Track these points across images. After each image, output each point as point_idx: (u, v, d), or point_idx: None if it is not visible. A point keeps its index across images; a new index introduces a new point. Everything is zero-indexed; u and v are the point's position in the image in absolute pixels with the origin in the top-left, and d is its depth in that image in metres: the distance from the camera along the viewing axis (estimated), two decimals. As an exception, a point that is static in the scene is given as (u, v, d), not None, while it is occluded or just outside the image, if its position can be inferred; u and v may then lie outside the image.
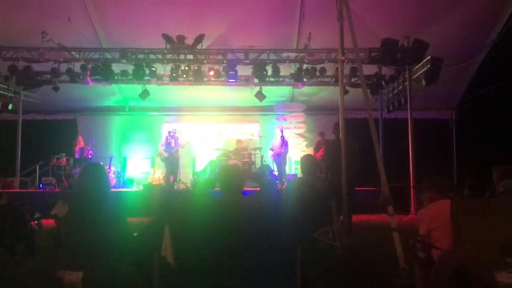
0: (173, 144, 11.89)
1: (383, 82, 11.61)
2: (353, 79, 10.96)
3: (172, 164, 11.86)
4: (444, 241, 3.40)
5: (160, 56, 10.88)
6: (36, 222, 5.66)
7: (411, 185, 9.68)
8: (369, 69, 11.03)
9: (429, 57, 9.64)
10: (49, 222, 4.27)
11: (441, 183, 3.86)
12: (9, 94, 12.06)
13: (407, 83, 10.45)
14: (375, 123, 5.37)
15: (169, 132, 12.16)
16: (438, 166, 10.98)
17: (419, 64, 10.07)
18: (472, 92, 12.24)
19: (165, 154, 11.75)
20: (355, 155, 5.88)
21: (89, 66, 10.83)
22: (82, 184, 3.50)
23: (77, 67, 10.92)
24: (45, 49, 10.32)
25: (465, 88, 12.63)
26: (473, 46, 10.68)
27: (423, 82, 9.84)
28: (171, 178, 11.78)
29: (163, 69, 11.18)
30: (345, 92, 7.11)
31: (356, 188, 6.43)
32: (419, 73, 10.15)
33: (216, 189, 3.44)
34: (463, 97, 12.98)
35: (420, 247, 3.68)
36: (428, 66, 9.66)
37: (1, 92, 11.78)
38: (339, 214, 5.30)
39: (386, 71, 11.27)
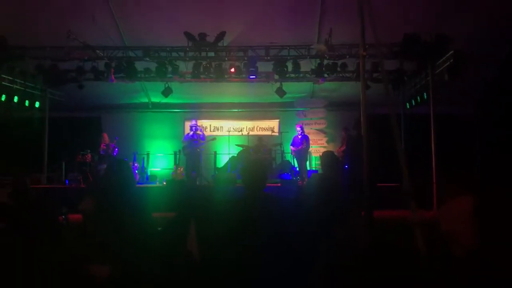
0: (196, 139, 12.05)
1: (405, 77, 11.48)
2: (374, 74, 10.86)
3: (193, 160, 12.02)
4: (466, 238, 3.38)
5: (182, 54, 11.00)
6: (63, 217, 5.80)
7: (434, 180, 9.58)
8: (391, 64, 10.94)
9: (452, 51, 9.45)
10: (76, 217, 4.38)
11: (463, 179, 3.84)
12: (36, 92, 12.38)
13: (429, 78, 10.30)
14: (396, 119, 5.34)
15: (191, 127, 12.32)
16: (461, 161, 10.81)
17: (442, 59, 9.86)
18: (497, 87, 11.98)
19: (188, 149, 11.93)
20: (375, 150, 5.86)
21: (113, 64, 11.03)
22: (108, 179, 3.60)
23: (101, 65, 11.15)
24: (70, 48, 10.55)
25: (490, 83, 12.36)
26: (498, 40, 10.46)
27: (446, 77, 9.66)
28: (193, 173, 11.93)
29: (185, 66, 11.32)
30: (367, 87, 7.06)
31: (378, 184, 6.40)
32: (441, 68, 9.97)
33: (238, 185, 3.50)
34: (487, 92, 12.70)
35: (441, 243, 3.67)
36: (451, 60, 9.47)
37: (29, 90, 12.08)
38: (360, 209, 5.30)
39: (408, 66, 11.15)
